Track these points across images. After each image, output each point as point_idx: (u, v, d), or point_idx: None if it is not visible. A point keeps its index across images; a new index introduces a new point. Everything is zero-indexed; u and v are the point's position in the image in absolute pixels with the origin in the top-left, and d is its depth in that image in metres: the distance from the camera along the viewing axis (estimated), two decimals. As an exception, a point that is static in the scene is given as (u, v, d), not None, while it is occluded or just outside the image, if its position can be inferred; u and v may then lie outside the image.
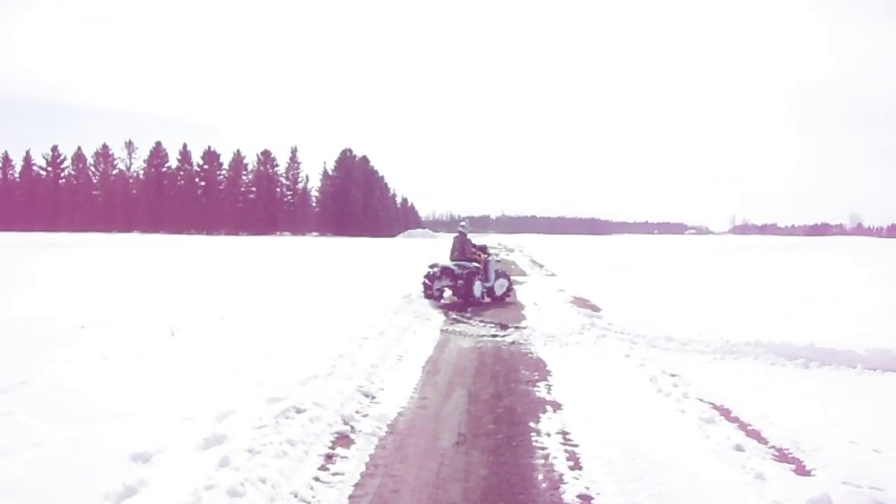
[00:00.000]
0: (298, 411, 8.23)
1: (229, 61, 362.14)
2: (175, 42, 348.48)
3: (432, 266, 21.82)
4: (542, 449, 7.57)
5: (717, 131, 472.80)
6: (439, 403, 9.53)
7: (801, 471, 6.91)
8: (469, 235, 23.43)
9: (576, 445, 7.67)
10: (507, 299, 22.34)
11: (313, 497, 6.17)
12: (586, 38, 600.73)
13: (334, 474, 6.75)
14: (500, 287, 22.27)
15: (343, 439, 7.80)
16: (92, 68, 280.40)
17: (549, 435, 8.05)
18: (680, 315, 17.20)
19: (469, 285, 21.05)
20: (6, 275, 27.26)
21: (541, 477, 6.74)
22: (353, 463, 7.09)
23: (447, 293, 21.60)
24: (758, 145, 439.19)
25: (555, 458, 7.27)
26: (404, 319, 16.28)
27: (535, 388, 10.40)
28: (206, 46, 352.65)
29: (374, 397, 9.60)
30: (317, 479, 6.59)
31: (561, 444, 7.74)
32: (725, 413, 8.90)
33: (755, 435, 8.03)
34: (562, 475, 6.75)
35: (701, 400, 9.50)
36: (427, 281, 21.47)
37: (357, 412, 8.78)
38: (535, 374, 11.43)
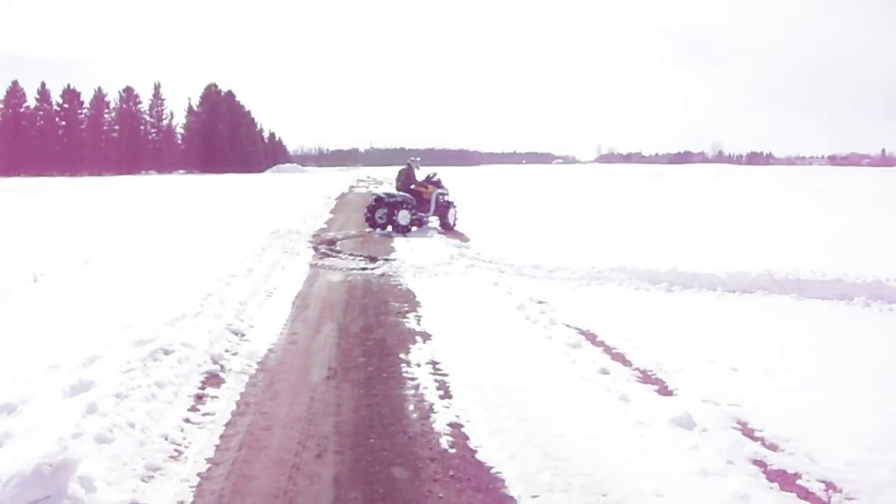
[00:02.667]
0: (167, 353, 8.10)
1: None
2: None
3: (374, 196, 23.39)
4: (413, 380, 7.65)
5: (583, 62, 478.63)
6: (309, 338, 9.52)
7: (664, 391, 7.19)
8: (417, 168, 24.69)
9: (445, 375, 7.78)
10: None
11: (184, 439, 6.11)
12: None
13: (205, 415, 6.70)
14: (451, 217, 23.35)
15: (213, 379, 7.73)
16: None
17: (419, 365, 8.14)
18: (548, 244, 17.55)
19: (391, 213, 22.06)
20: None
21: (412, 408, 6.81)
22: (223, 402, 7.04)
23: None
24: (622, 77, 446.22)
25: (425, 388, 7.36)
26: (273, 255, 16.12)
27: (405, 320, 10.48)
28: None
29: (243, 335, 9.54)
30: (187, 420, 6.52)
31: (431, 374, 7.84)
32: (591, 338, 9.17)
33: (620, 358, 8.30)
34: (432, 405, 6.85)
35: (567, 326, 9.75)
36: (367, 212, 22.77)
37: (227, 351, 8.71)
38: (405, 305, 11.51)
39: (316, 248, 18.61)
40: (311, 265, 15.81)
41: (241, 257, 15.23)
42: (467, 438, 6.07)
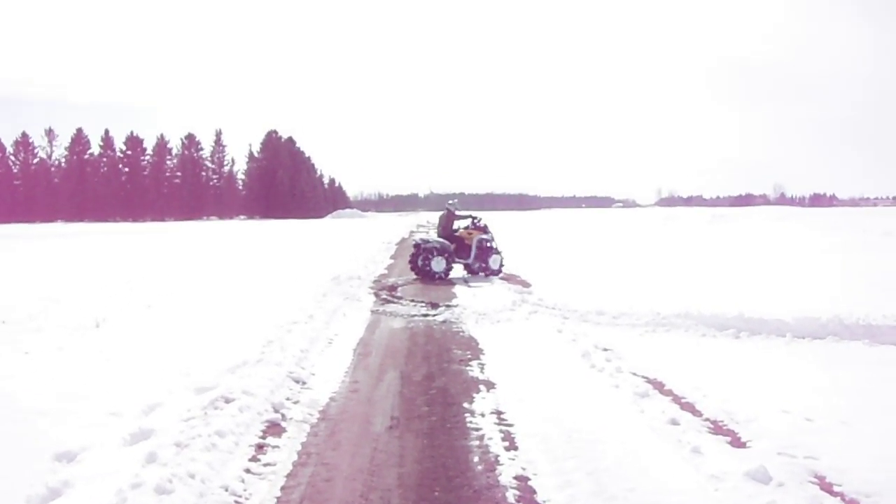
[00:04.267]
0: (227, 401, 8.02)
1: (149, 45, 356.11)
2: (93, 26, 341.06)
3: (413, 243, 22.97)
4: (477, 430, 7.46)
5: (643, 104, 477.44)
6: (371, 386, 9.39)
7: (737, 443, 6.90)
8: (458, 210, 24.16)
9: (510, 425, 7.57)
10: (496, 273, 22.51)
11: (244, 490, 5.97)
12: (510, 13, 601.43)
13: (266, 465, 6.57)
14: (493, 263, 22.55)
15: (274, 428, 7.62)
16: (6, 56, 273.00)
17: (483, 415, 7.95)
18: (611, 289, 17.28)
19: (426, 261, 21.84)
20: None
21: (476, 459, 6.61)
22: (284, 452, 6.90)
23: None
24: (682, 119, 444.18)
25: (490, 438, 7.17)
26: (334, 301, 16.07)
27: (468, 368, 10.31)
28: (125, 30, 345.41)
29: (304, 383, 9.43)
30: (248, 470, 6.40)
31: (496, 423, 7.65)
32: (659, 387, 8.90)
33: (689, 408, 8.03)
34: (497, 456, 6.65)
35: (634, 374, 9.50)
36: (410, 259, 22.52)
37: (288, 399, 8.60)
38: (468, 352, 11.34)
39: (377, 294, 18.52)
40: (373, 311, 15.71)
41: (302, 303, 15.20)
42: (534, 492, 5.86)
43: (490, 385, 9.27)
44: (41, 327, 12.96)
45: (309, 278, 20.15)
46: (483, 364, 10.52)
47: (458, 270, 22.92)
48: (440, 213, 24.56)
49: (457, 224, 23.31)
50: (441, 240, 22.48)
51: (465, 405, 8.38)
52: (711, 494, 5.68)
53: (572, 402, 8.29)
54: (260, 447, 7.03)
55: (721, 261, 24.95)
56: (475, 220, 23.46)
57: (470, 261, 22.49)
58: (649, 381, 9.18)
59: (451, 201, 24.46)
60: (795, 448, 6.58)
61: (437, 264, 21.80)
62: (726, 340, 11.94)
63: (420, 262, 22.00)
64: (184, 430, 7.05)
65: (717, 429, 7.33)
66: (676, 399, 8.37)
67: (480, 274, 22.33)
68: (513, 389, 8.96)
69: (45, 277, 22.11)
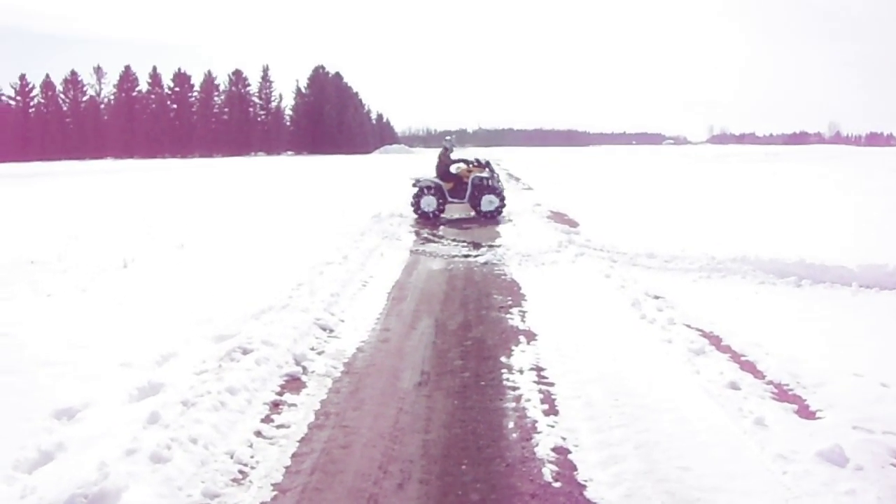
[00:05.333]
0: (245, 352, 7.42)
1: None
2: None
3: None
4: (514, 389, 6.75)
5: (694, 39, 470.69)
6: (403, 336, 8.72)
7: (805, 412, 6.05)
8: (455, 148, 23.23)
9: (551, 384, 6.85)
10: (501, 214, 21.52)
11: (251, 458, 5.34)
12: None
13: (279, 427, 5.95)
14: (487, 203, 21.36)
15: (293, 383, 7.01)
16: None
17: (521, 372, 7.23)
18: (661, 230, 16.43)
19: (417, 199, 21.18)
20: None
21: (511, 426, 5.89)
22: (301, 412, 6.28)
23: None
24: (734, 54, 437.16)
25: (527, 400, 6.43)
26: (371, 241, 15.46)
27: (508, 316, 9.58)
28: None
29: (331, 331, 8.83)
30: (258, 433, 5.78)
31: (535, 382, 6.92)
32: (716, 342, 8.10)
33: (750, 368, 7.22)
34: (535, 423, 5.91)
35: (688, 326, 8.70)
36: (413, 199, 21.49)
37: (312, 349, 8.02)
38: (509, 298, 10.62)
39: (417, 233, 17.91)
40: (412, 251, 15.08)
41: (339, 242, 14.62)
42: (575, 469, 5.13)
43: (531, 336, 8.54)
44: (68, 268, 12.55)
45: (349, 216, 19.66)
46: (524, 312, 9.77)
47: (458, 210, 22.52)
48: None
49: (456, 165, 22.23)
50: (433, 178, 21.58)
51: (503, 359, 7.67)
52: (779, 479, 4.90)
53: (620, 359, 7.52)
54: (275, 405, 6.43)
55: (776, 202, 23.85)
56: (470, 163, 22.22)
57: (465, 200, 21.61)
58: (705, 334, 8.38)
59: (447, 137, 23.49)
60: (872, 421, 5.72)
61: (427, 203, 21.07)
62: (787, 288, 11.06)
63: (412, 201, 21.33)
64: (194, 386, 6.50)
65: (782, 394, 6.51)
66: (735, 357, 7.56)
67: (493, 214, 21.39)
68: (555, 342, 8.21)
69: (83, 215, 21.81)
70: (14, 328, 8.49)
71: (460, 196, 21.48)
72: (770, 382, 6.83)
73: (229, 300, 9.83)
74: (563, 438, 5.60)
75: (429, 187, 21.20)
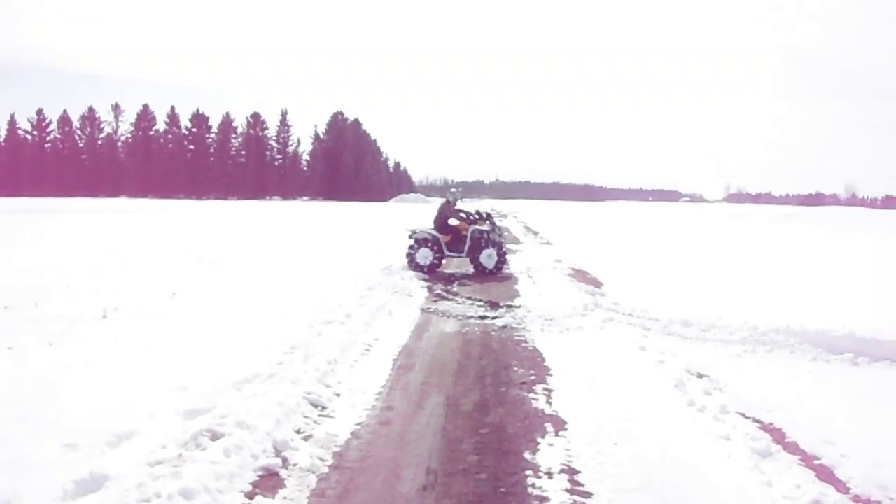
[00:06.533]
0: (214, 437, 6.13)
1: (216, 24, 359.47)
2: (161, 4, 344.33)
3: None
4: (542, 501, 5.43)
5: (712, 99, 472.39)
6: (408, 417, 7.40)
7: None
8: (461, 201, 22.44)
9: (588, 495, 5.50)
10: (502, 271, 20.16)
11: None
12: (581, 6, 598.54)
13: (239, 549, 4.64)
14: (486, 258, 19.99)
15: (268, 480, 5.70)
16: (77, 32, 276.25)
17: (549, 475, 5.86)
18: (692, 293, 15.12)
19: (413, 252, 19.91)
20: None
21: (540, 560, 4.58)
22: (271, 527, 4.97)
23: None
24: (751, 114, 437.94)
25: (560, 520, 5.11)
26: (380, 297, 14.17)
27: (532, 395, 8.23)
28: (192, 9, 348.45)
29: (324, 408, 7.53)
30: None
31: (567, 492, 5.54)
32: (780, 438, 6.75)
33: (828, 476, 5.85)
34: (570, 556, 4.59)
35: (744, 416, 7.35)
36: (408, 251, 20.14)
37: (298, 432, 6.75)
38: (531, 372, 9.28)
39: (430, 289, 16.64)
40: (423, 310, 13.80)
41: (344, 297, 13.38)
42: None
43: (559, 424, 7.17)
44: (41, 316, 11.35)
45: (359, 267, 18.41)
46: (550, 390, 8.42)
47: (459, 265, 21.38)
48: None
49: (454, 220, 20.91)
50: (430, 230, 20.24)
51: (527, 455, 6.31)
52: None
53: (670, 460, 6.13)
54: (240, 515, 5.11)
55: (804, 264, 22.51)
56: (471, 215, 20.89)
57: (464, 254, 20.25)
58: (765, 427, 7.03)
59: (452, 189, 22.39)
60: None
61: (423, 256, 19.75)
62: (843, 367, 9.74)
63: (407, 252, 20.04)
64: (143, 483, 5.20)
65: (878, 519, 5.18)
66: (807, 460, 6.19)
67: (502, 270, 20.16)
68: (589, 433, 6.84)
69: (78, 256, 20.76)
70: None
71: (458, 249, 20.20)
72: (857, 499, 5.49)
73: (211, 364, 8.59)
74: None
75: (426, 239, 19.93)
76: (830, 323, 11.21)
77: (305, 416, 7.18)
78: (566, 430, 7.00)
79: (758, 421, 7.25)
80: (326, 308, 12.26)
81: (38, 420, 6.53)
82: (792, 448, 6.51)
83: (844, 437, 6.65)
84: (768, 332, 11.11)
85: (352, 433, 6.87)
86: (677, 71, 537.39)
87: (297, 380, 7.95)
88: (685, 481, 5.70)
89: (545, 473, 5.91)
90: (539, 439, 6.74)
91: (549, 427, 7.09)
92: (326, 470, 5.97)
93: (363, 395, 8.11)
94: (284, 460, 6.04)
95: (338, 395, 8.02)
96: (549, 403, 7.91)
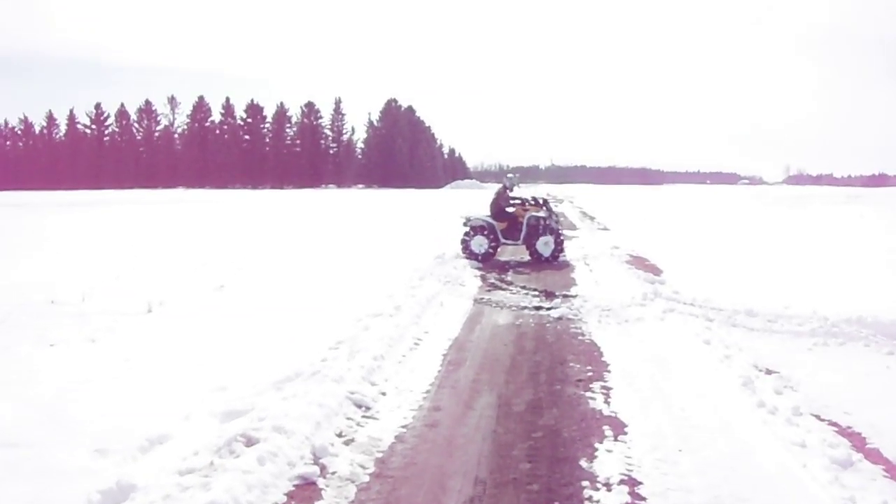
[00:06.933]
0: (249, 442, 5.77)
1: (269, 13, 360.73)
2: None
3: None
4: (601, 518, 4.96)
5: (772, 80, 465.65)
6: (456, 418, 6.96)
7: None
8: (517, 187, 21.68)
9: (650, 510, 5.04)
10: (559, 259, 19.57)
11: None
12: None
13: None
14: (543, 246, 19.42)
15: (304, 490, 5.32)
16: (133, 26, 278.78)
17: (608, 487, 5.35)
18: (754, 281, 14.51)
19: (467, 239, 19.39)
20: (14, 238, 25.52)
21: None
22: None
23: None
24: (811, 92, 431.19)
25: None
26: (431, 287, 13.75)
27: (589, 394, 7.74)
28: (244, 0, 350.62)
29: (368, 408, 7.15)
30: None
31: (627, 506, 5.12)
32: (860, 444, 6.19)
33: (921, 489, 5.33)
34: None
35: (818, 418, 6.80)
36: (463, 239, 19.61)
37: (339, 435, 6.36)
38: (588, 368, 8.78)
39: (483, 278, 16.21)
40: (476, 300, 13.35)
41: (394, 288, 12.96)
42: None
43: (619, 427, 6.68)
44: (87, 311, 11.22)
45: (411, 256, 17.93)
46: (608, 388, 7.93)
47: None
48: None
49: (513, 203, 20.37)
50: (485, 217, 19.66)
51: (583, 463, 5.82)
52: None
53: (741, 471, 5.55)
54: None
55: (872, 249, 21.60)
56: (527, 202, 20.36)
57: (520, 242, 19.69)
58: (843, 432, 6.49)
59: (508, 175, 21.63)
60: None
61: (478, 244, 19.19)
62: (923, 362, 9.15)
63: (462, 240, 19.51)
64: (169, 495, 4.84)
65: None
66: (892, 471, 5.60)
67: (551, 258, 19.48)
68: (650, 439, 6.32)
69: (130, 247, 20.72)
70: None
71: (514, 237, 19.66)
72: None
73: (253, 361, 8.24)
74: None
75: (481, 227, 19.39)
76: (904, 311, 10.60)
77: (348, 418, 6.79)
78: (626, 434, 6.51)
79: (834, 424, 6.70)
80: (376, 300, 11.87)
81: (70, 422, 6.29)
82: (874, 457, 5.96)
83: (933, 444, 6.11)
84: (839, 323, 10.52)
85: (396, 437, 6.45)
86: (733, 51, 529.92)
87: (340, 378, 7.56)
88: (757, 496, 5.17)
89: (603, 485, 5.41)
90: (597, 445, 6.25)
91: (607, 431, 6.60)
92: (367, 479, 5.55)
93: (410, 393, 7.70)
94: (323, 468, 5.64)
95: (383, 394, 7.63)
96: (608, 404, 7.41)
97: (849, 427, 6.62)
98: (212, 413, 6.57)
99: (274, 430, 5.97)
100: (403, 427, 6.70)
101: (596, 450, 6.14)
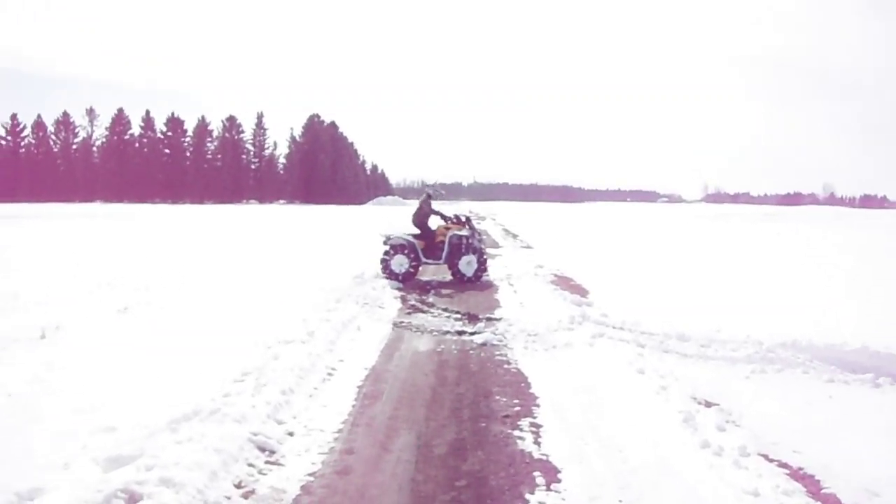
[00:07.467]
0: (132, 500, 4.99)
1: (191, 27, 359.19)
2: (136, 8, 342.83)
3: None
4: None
5: (690, 99, 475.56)
6: (371, 464, 6.23)
7: None
8: (441, 194, 21.36)
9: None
10: (482, 279, 18.95)
11: None
12: (558, 9, 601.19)
13: None
14: (465, 266, 18.80)
15: (189, 563, 4.56)
16: (51, 35, 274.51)
17: (543, 551, 4.75)
18: (683, 302, 14.04)
19: (387, 259, 18.63)
20: None
21: None
22: None
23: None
24: (728, 114, 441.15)
25: None
26: (348, 310, 13.02)
27: (517, 433, 7.06)
28: (167, 12, 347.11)
29: (272, 452, 6.40)
30: None
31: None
32: (815, 490, 5.61)
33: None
34: None
35: (767, 458, 6.23)
36: (382, 258, 18.82)
37: (238, 486, 5.62)
38: (516, 401, 8.12)
39: (404, 300, 15.54)
40: (395, 324, 12.65)
41: (308, 312, 12.21)
42: None
43: (552, 473, 6.02)
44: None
45: (328, 276, 17.14)
46: (538, 426, 7.26)
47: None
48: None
49: (435, 219, 19.69)
50: (406, 236, 18.95)
51: (514, 521, 5.18)
52: None
53: None
54: None
55: (794, 267, 21.46)
56: (448, 219, 19.63)
57: (441, 261, 19.01)
58: (795, 475, 5.91)
59: (430, 183, 20.86)
60: None
61: (398, 264, 18.48)
62: (864, 390, 8.71)
63: (381, 259, 18.78)
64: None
65: None
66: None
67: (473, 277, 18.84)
68: (587, 489, 5.65)
69: (33, 266, 19.72)
70: None
71: (436, 256, 18.94)
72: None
73: (150, 396, 7.41)
74: None
75: (402, 245, 18.62)
76: (839, 335, 10.35)
77: (249, 465, 6.05)
78: (559, 482, 5.83)
79: (785, 466, 6.13)
80: (288, 324, 11.11)
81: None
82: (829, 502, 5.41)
83: (891, 486, 5.58)
84: (774, 348, 10.11)
85: (302, 487, 5.71)
86: (654, 72, 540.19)
87: (243, 417, 6.79)
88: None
89: (537, 548, 4.76)
90: (528, 496, 5.57)
91: (538, 478, 5.92)
92: (265, 545, 4.82)
93: (320, 433, 6.96)
94: (213, 532, 4.90)
95: (291, 434, 6.90)
96: (538, 445, 6.74)
97: (800, 469, 6.06)
98: (94, 460, 5.76)
99: (161, 482, 5.21)
100: (311, 475, 5.96)
101: (528, 502, 5.48)
